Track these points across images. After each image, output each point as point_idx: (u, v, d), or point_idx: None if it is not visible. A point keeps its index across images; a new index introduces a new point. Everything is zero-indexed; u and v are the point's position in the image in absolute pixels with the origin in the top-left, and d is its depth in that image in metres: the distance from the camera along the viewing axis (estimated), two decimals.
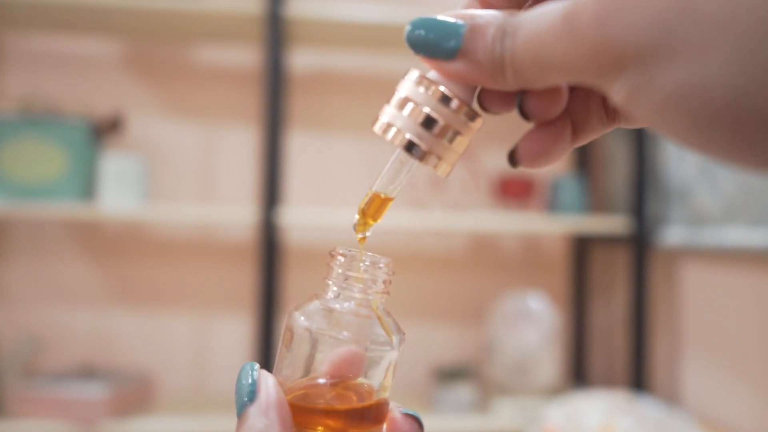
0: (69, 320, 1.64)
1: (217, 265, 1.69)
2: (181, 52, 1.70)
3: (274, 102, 1.42)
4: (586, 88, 0.25)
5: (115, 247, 1.66)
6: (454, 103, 0.27)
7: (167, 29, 1.56)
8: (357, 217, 0.29)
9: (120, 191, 1.42)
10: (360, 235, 0.29)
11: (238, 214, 1.40)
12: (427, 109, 0.26)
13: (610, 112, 0.26)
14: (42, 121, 1.44)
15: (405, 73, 0.27)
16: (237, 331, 1.69)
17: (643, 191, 1.49)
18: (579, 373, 1.75)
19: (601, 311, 1.79)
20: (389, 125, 0.27)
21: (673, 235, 1.42)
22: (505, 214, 1.60)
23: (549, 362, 1.53)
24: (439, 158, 0.27)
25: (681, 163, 1.42)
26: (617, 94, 0.20)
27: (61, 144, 1.44)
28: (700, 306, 1.37)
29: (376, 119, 0.28)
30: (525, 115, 0.25)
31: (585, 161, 1.77)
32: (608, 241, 1.67)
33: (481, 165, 1.78)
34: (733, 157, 0.19)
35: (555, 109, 0.25)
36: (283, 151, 1.42)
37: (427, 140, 0.27)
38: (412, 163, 0.28)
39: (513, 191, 1.60)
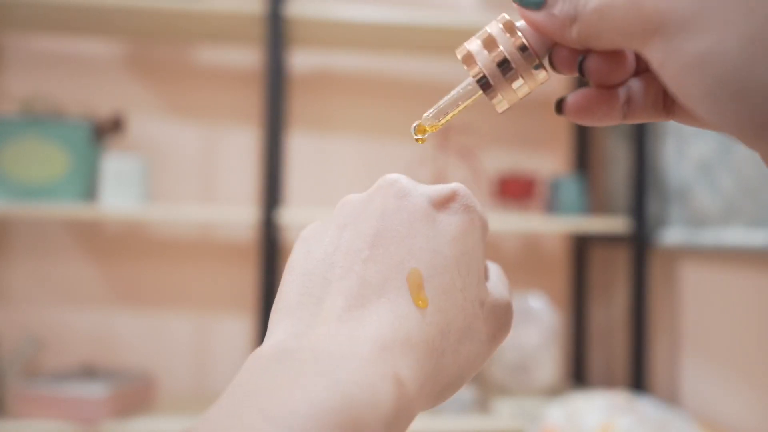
0: (69, 320, 1.64)
1: (217, 265, 1.69)
2: (182, 53, 1.71)
3: (275, 102, 1.42)
4: (651, 71, 0.29)
5: (116, 247, 1.66)
6: (529, 54, 0.30)
7: (168, 29, 1.56)
8: (416, 125, 0.32)
9: (121, 191, 1.42)
10: (418, 136, 0.32)
11: (238, 214, 1.40)
12: (505, 53, 0.30)
13: (668, 103, 0.29)
14: (43, 121, 1.44)
15: (499, 15, 0.31)
16: (237, 331, 1.69)
17: (643, 191, 1.49)
18: (579, 373, 1.75)
19: (601, 311, 1.79)
20: (470, 56, 0.31)
21: (672, 235, 1.42)
22: (505, 214, 1.61)
23: (549, 362, 1.53)
24: (502, 97, 0.31)
25: (681, 163, 1.43)
26: (655, 59, 0.23)
27: (62, 144, 1.44)
28: (700, 306, 1.37)
29: (461, 46, 0.31)
30: (583, 72, 0.29)
31: (585, 161, 1.77)
32: (608, 241, 1.67)
33: (481, 165, 1.78)
34: (737, 126, 0.21)
35: (613, 76, 0.29)
36: (283, 151, 1.43)
37: (498, 80, 0.30)
38: (478, 93, 0.32)
39: (513, 191, 1.60)
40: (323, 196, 1.74)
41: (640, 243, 1.49)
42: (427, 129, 0.32)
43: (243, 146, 1.72)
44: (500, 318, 0.28)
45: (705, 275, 1.36)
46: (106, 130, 1.50)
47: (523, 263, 1.81)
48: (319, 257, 0.26)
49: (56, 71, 1.67)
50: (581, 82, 1.78)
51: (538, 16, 0.28)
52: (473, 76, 0.31)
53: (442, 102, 0.32)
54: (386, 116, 1.77)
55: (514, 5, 0.29)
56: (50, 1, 1.39)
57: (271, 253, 1.39)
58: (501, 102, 0.31)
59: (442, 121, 0.32)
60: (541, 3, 0.28)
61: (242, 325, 1.69)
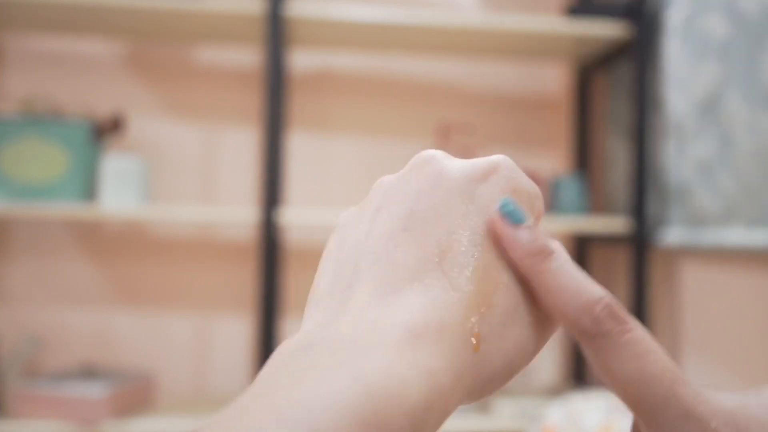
0: (69, 320, 1.64)
1: (217, 265, 1.69)
2: (182, 53, 1.71)
3: (275, 102, 1.42)
4: None
5: (116, 247, 1.66)
6: None
7: (168, 29, 1.56)
8: None
9: (120, 191, 1.42)
10: None
11: (238, 214, 1.40)
12: None
13: None
14: (43, 121, 1.44)
15: None
16: (237, 331, 1.69)
17: (643, 191, 1.49)
18: (579, 373, 1.75)
19: None
20: None
21: (673, 235, 1.42)
22: None
23: (549, 362, 1.53)
24: None
25: (681, 163, 1.42)
26: None
27: (61, 144, 1.44)
28: (700, 306, 1.37)
29: None
30: None
31: (585, 161, 1.77)
32: (608, 241, 1.67)
33: None
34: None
35: None
36: (283, 151, 1.43)
37: None
38: None
39: None
40: (323, 196, 1.74)
41: (640, 243, 1.49)
42: None
43: (243, 146, 1.71)
44: None
45: (705, 275, 1.36)
46: (105, 130, 1.50)
47: None
48: (351, 244, 0.25)
49: (56, 71, 1.67)
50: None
51: None
52: None
53: None
54: (386, 116, 1.77)
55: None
56: (50, 1, 1.39)
57: (271, 253, 1.39)
58: None
59: None
60: None
61: (242, 325, 1.69)
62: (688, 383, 0.22)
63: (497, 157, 0.27)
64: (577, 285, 0.22)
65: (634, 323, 0.22)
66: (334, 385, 0.18)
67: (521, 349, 0.24)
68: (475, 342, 0.22)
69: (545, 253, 0.23)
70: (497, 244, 0.23)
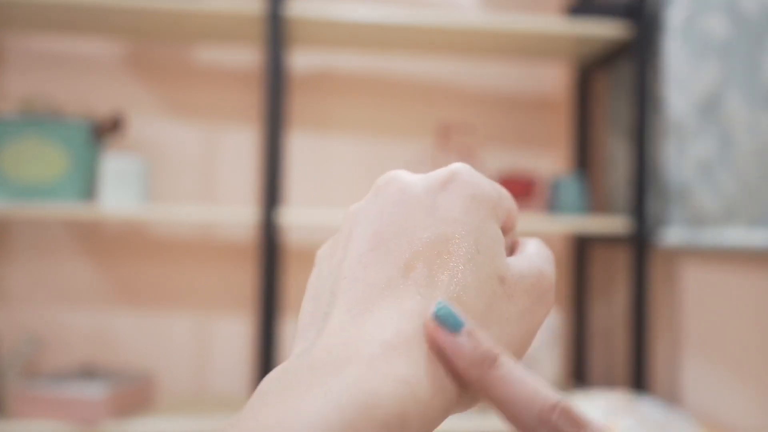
0: (69, 320, 1.64)
1: (217, 265, 1.69)
2: (182, 52, 1.70)
3: (275, 102, 1.42)
4: None
5: (116, 247, 1.66)
6: None
7: (167, 29, 1.56)
8: None
9: (120, 191, 1.42)
10: None
11: (238, 214, 1.40)
12: None
13: None
14: (42, 121, 1.44)
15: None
16: (237, 331, 1.69)
17: (643, 191, 1.49)
18: (579, 373, 1.75)
19: (601, 311, 1.79)
20: None
21: (673, 235, 1.42)
22: None
23: (549, 362, 1.53)
24: None
25: (681, 163, 1.42)
26: None
27: (61, 144, 1.44)
28: (700, 306, 1.37)
29: None
30: None
31: (585, 161, 1.77)
32: (608, 241, 1.67)
33: (481, 165, 1.78)
34: None
35: None
36: (283, 151, 1.42)
37: None
38: None
39: (513, 191, 1.60)
40: (323, 196, 1.74)
41: (640, 243, 1.49)
42: None
43: (243, 146, 1.71)
44: (531, 291, 0.26)
45: (705, 275, 1.36)
46: (105, 130, 1.50)
47: None
48: (327, 273, 0.26)
49: (55, 71, 1.67)
50: (582, 85, 1.78)
51: None
52: None
53: None
54: (386, 116, 1.77)
55: None
56: (50, 1, 1.39)
57: (271, 253, 1.39)
58: None
59: None
60: None
61: (242, 325, 1.69)
62: None
63: (454, 165, 0.27)
64: (528, 393, 0.21)
65: (594, 425, 0.21)
66: (303, 405, 0.18)
67: (511, 347, 0.25)
68: None
69: (490, 360, 0.22)
70: (437, 353, 0.22)
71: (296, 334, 0.25)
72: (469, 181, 0.26)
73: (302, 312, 0.26)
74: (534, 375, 0.22)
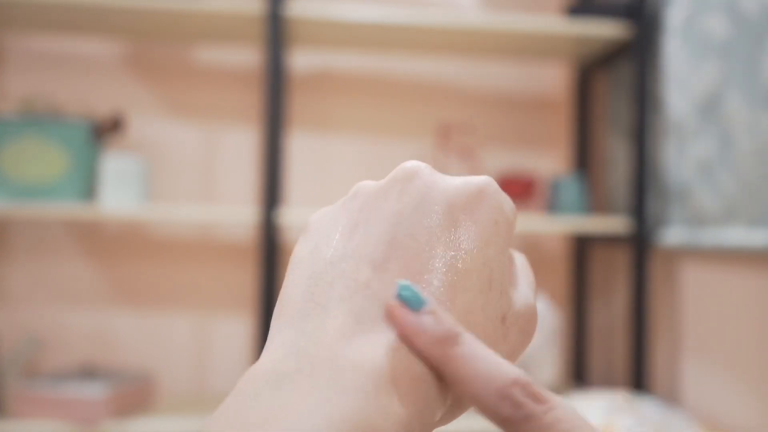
0: (69, 320, 1.64)
1: (217, 265, 1.69)
2: (182, 52, 1.71)
3: (275, 102, 1.42)
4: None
5: (116, 247, 1.66)
6: None
7: (167, 29, 1.56)
8: None
9: (120, 191, 1.42)
10: None
11: (238, 214, 1.40)
12: None
13: None
14: (43, 121, 1.44)
15: None
16: (237, 331, 1.69)
17: (643, 191, 1.49)
18: (579, 373, 1.75)
19: (601, 311, 1.79)
20: None
21: (673, 235, 1.42)
22: None
23: (549, 362, 1.53)
24: None
25: (681, 163, 1.42)
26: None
27: (61, 144, 1.44)
28: (700, 306, 1.37)
29: None
30: None
31: (585, 161, 1.77)
32: (608, 241, 1.67)
33: (481, 164, 1.78)
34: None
35: None
36: (283, 151, 1.42)
37: None
38: None
39: (513, 191, 1.60)
40: (323, 196, 1.74)
41: (640, 243, 1.49)
42: None
43: (243, 146, 1.71)
44: (523, 329, 0.26)
45: (705, 275, 1.36)
46: (105, 130, 1.50)
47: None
48: (326, 258, 0.24)
49: (56, 71, 1.67)
50: (582, 94, 1.77)
51: None
52: None
53: None
54: (386, 116, 1.77)
55: None
56: (50, 1, 1.39)
57: (271, 253, 1.39)
58: None
59: None
60: None
61: (242, 325, 1.69)
62: None
63: (482, 182, 0.25)
64: (488, 369, 0.21)
65: (555, 400, 0.21)
66: (302, 428, 0.18)
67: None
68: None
69: (452, 338, 0.21)
70: (400, 332, 0.22)
71: (282, 315, 0.23)
72: (494, 206, 0.25)
73: (292, 291, 0.24)
74: (494, 354, 0.22)
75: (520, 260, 0.29)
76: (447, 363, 0.21)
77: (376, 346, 0.21)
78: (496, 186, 0.26)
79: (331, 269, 0.23)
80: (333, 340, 0.21)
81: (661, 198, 1.49)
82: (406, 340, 0.22)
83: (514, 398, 0.21)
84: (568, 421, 0.20)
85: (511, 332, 0.25)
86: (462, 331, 0.22)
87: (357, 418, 0.18)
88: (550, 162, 1.82)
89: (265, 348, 0.22)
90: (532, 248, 1.82)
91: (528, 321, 0.26)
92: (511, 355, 0.25)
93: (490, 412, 0.21)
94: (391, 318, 0.22)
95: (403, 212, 0.24)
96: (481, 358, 0.21)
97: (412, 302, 0.22)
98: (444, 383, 0.22)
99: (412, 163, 0.25)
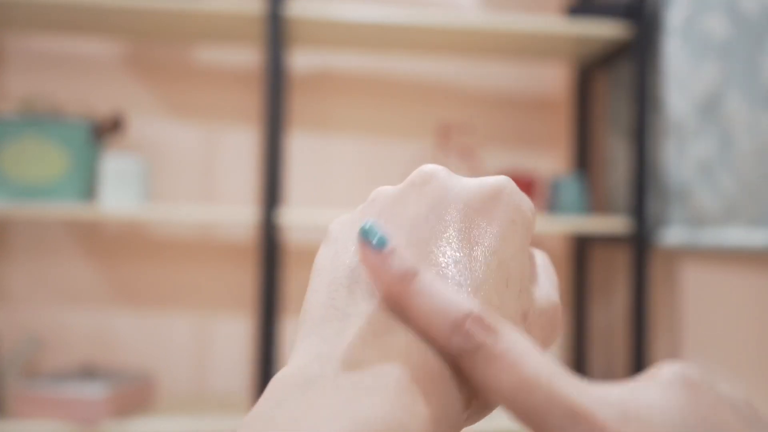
0: (69, 320, 1.64)
1: (217, 265, 1.69)
2: (181, 52, 1.70)
3: (275, 102, 1.42)
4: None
5: (116, 247, 1.66)
6: None
7: (167, 29, 1.56)
8: None
9: (120, 191, 1.42)
10: None
11: (238, 214, 1.40)
12: None
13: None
14: (42, 121, 1.44)
15: None
16: (237, 331, 1.69)
17: (643, 191, 1.49)
18: (579, 373, 1.75)
19: (601, 311, 1.79)
20: None
21: (673, 235, 1.42)
22: None
23: None
24: None
25: (681, 163, 1.42)
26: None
27: (61, 144, 1.44)
28: (700, 306, 1.37)
29: None
30: None
31: (585, 161, 1.77)
32: (608, 241, 1.67)
33: (481, 164, 1.78)
34: None
35: None
36: (283, 151, 1.42)
37: None
38: None
39: None
40: (323, 196, 1.74)
41: (640, 243, 1.49)
42: None
43: (243, 146, 1.71)
44: (546, 326, 0.25)
45: (705, 275, 1.36)
46: (105, 130, 1.50)
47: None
48: (346, 264, 0.24)
49: (56, 71, 1.67)
50: (582, 85, 1.77)
51: None
52: None
53: None
54: (386, 116, 1.77)
55: None
56: (50, 1, 1.39)
57: (271, 253, 1.39)
58: None
59: None
60: None
61: (242, 325, 1.69)
62: (569, 380, 0.20)
63: (499, 182, 0.25)
64: (443, 302, 0.21)
65: (506, 329, 0.21)
66: (334, 429, 0.18)
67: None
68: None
69: (409, 276, 0.21)
70: (367, 271, 0.22)
71: (305, 322, 0.23)
72: (512, 204, 0.25)
73: (315, 293, 0.24)
74: (452, 289, 0.22)
75: (542, 258, 0.29)
76: (405, 300, 0.21)
77: (395, 347, 0.21)
78: (513, 186, 0.26)
79: (350, 275, 0.24)
80: (353, 344, 0.21)
81: (661, 198, 1.50)
82: (371, 277, 0.22)
83: (466, 330, 0.21)
84: (515, 349, 0.20)
85: (534, 329, 0.25)
86: (421, 270, 0.22)
87: (383, 418, 0.19)
88: (550, 162, 1.82)
89: (290, 355, 0.22)
90: (532, 248, 1.81)
91: (551, 318, 0.26)
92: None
93: (444, 345, 0.21)
94: (360, 256, 0.22)
95: (419, 215, 0.24)
96: (436, 293, 0.21)
97: (375, 240, 0.22)
98: (465, 381, 0.22)
99: (429, 167, 0.26)
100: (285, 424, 0.18)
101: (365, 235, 0.22)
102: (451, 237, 0.24)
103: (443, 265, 0.23)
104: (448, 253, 0.24)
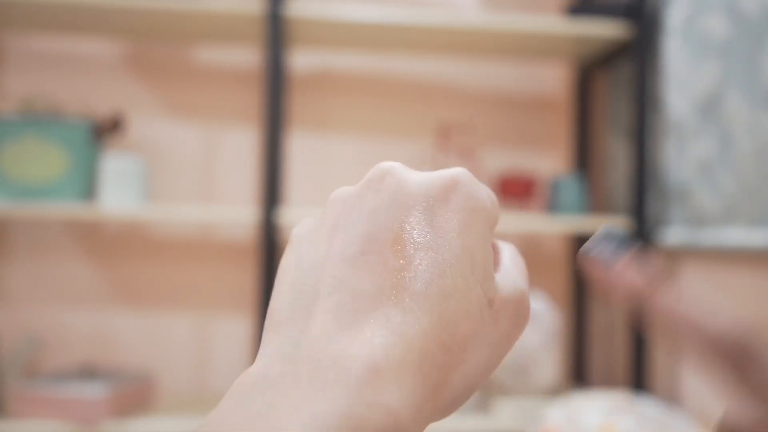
0: (69, 320, 1.64)
1: (217, 265, 1.69)
2: (181, 52, 1.70)
3: (274, 102, 1.42)
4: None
5: (115, 247, 1.66)
6: None
7: (167, 29, 1.56)
8: None
9: (120, 191, 1.42)
10: None
11: (238, 214, 1.40)
12: None
13: None
14: (43, 121, 1.44)
15: None
16: (237, 331, 1.69)
17: (643, 191, 1.49)
18: (579, 373, 1.75)
19: (602, 311, 1.79)
20: None
21: (673, 235, 1.42)
22: (506, 213, 1.60)
23: (549, 362, 1.53)
24: None
25: (681, 163, 1.42)
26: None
27: (61, 144, 1.44)
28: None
29: None
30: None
31: (585, 161, 1.77)
32: None
33: (481, 164, 1.78)
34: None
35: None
36: (283, 151, 1.42)
37: None
38: None
39: (513, 191, 1.60)
40: (323, 196, 1.74)
41: (640, 243, 1.49)
42: None
43: (243, 146, 1.71)
44: (513, 315, 0.25)
45: (705, 275, 1.36)
46: (105, 130, 1.50)
47: (524, 261, 1.81)
48: (309, 264, 0.24)
49: (55, 71, 1.67)
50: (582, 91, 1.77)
51: None
52: None
53: None
54: (386, 116, 1.77)
55: None
56: (50, 1, 1.39)
57: (270, 253, 1.39)
58: None
59: None
60: None
61: (242, 325, 1.69)
62: None
63: (455, 172, 0.25)
64: (707, 307, 0.21)
65: None
66: (287, 425, 0.18)
67: (483, 370, 0.24)
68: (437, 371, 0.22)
69: (659, 280, 0.22)
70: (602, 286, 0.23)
71: (270, 324, 0.23)
72: (469, 193, 0.25)
73: (279, 299, 0.24)
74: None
75: (510, 249, 0.29)
76: (662, 301, 0.22)
77: (357, 339, 0.21)
78: (470, 176, 0.26)
79: (313, 273, 0.24)
80: (314, 340, 0.21)
81: (661, 198, 1.50)
82: (611, 282, 0.24)
83: (742, 334, 0.22)
84: None
85: (501, 316, 0.25)
86: (663, 273, 0.23)
87: (342, 412, 0.18)
88: (550, 162, 1.82)
89: (256, 358, 0.22)
90: (532, 248, 1.82)
91: (518, 305, 0.26)
92: (505, 340, 0.25)
93: (722, 344, 0.23)
94: (592, 273, 0.23)
95: (379, 208, 0.24)
96: (698, 298, 0.22)
97: (617, 245, 0.22)
98: (429, 371, 0.22)
99: (386, 163, 0.26)
100: (243, 422, 0.18)
101: (608, 239, 0.22)
102: (413, 223, 0.24)
103: (408, 249, 0.23)
104: (412, 238, 0.23)
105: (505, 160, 1.79)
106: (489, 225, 0.26)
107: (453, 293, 0.23)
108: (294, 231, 0.27)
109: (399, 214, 0.24)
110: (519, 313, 0.26)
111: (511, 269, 0.27)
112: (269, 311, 0.24)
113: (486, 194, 0.26)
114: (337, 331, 0.21)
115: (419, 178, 0.25)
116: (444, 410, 0.23)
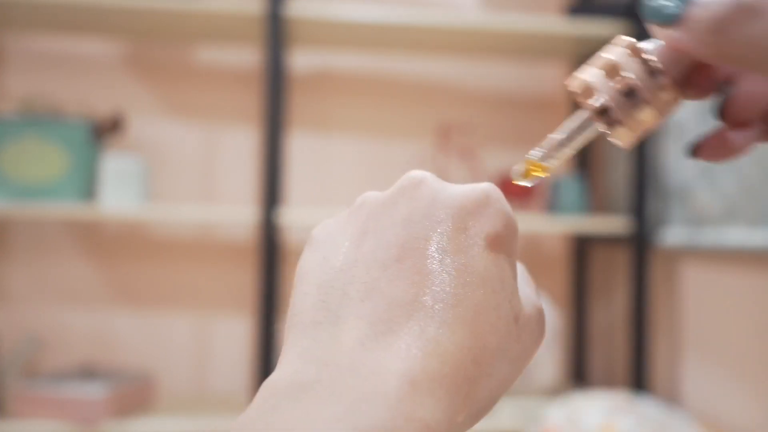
0: (69, 320, 1.64)
1: (217, 265, 1.69)
2: (181, 52, 1.71)
3: (274, 102, 1.42)
4: None
5: (115, 247, 1.66)
6: (660, 79, 0.26)
7: (167, 29, 1.56)
8: (521, 166, 0.30)
9: (120, 191, 1.42)
10: (523, 181, 0.30)
11: (238, 214, 1.40)
12: (634, 79, 0.26)
13: None
14: (42, 121, 1.44)
15: (614, 38, 0.29)
16: (237, 331, 1.69)
17: (643, 191, 1.49)
18: (579, 373, 1.75)
19: (601, 311, 1.79)
20: (589, 87, 0.27)
21: (673, 235, 1.42)
22: None
23: (549, 362, 1.53)
24: (626, 129, 0.27)
25: (681, 163, 1.42)
26: None
27: (61, 144, 1.44)
28: (700, 306, 1.37)
29: (574, 76, 0.27)
30: (722, 117, 0.27)
31: (585, 161, 1.77)
32: (608, 241, 1.67)
33: (481, 164, 1.78)
34: None
35: (752, 116, 0.27)
36: (283, 151, 1.42)
37: (625, 111, 0.27)
38: (598, 128, 0.28)
39: (513, 191, 1.60)
40: (323, 196, 1.74)
41: (640, 243, 1.49)
42: (534, 171, 0.28)
43: (243, 146, 1.71)
44: (534, 331, 0.26)
45: (705, 275, 1.36)
46: (105, 130, 1.50)
47: (524, 263, 1.81)
48: (336, 267, 0.24)
49: (55, 71, 1.67)
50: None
51: (675, 32, 0.25)
52: (594, 110, 0.27)
53: (551, 139, 0.28)
54: (386, 116, 1.77)
55: (646, 22, 0.26)
56: (50, 1, 1.39)
57: (270, 253, 1.39)
58: (626, 135, 0.27)
59: (553, 162, 0.28)
60: (676, 16, 0.25)
61: (242, 325, 1.69)
62: None
63: (487, 187, 0.26)
64: None
65: None
66: None
67: (505, 384, 0.24)
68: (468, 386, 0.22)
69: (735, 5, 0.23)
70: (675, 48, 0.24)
71: (295, 324, 0.23)
72: (500, 209, 0.25)
73: (303, 300, 0.24)
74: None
75: (520, 268, 0.29)
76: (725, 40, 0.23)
77: (393, 350, 0.21)
78: (499, 192, 0.26)
79: (341, 276, 0.23)
80: (350, 348, 0.21)
81: (661, 198, 1.50)
82: (677, 52, 0.25)
83: None
84: None
85: (524, 333, 0.25)
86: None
87: (382, 426, 0.18)
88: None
89: (280, 360, 0.22)
90: (532, 248, 1.82)
91: (537, 322, 0.26)
92: (525, 356, 0.25)
93: None
94: (658, 36, 0.24)
95: (412, 217, 0.24)
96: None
97: (666, 17, 0.25)
98: (461, 384, 0.22)
99: (418, 172, 0.26)
100: (280, 431, 0.18)
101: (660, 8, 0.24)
102: (446, 235, 0.24)
103: (441, 260, 0.23)
104: (445, 250, 0.23)
105: (505, 160, 1.79)
106: (515, 243, 0.26)
107: (485, 307, 0.23)
108: (314, 232, 0.27)
109: (432, 224, 0.24)
110: (537, 330, 0.26)
111: (524, 287, 0.27)
112: (291, 311, 0.24)
113: (511, 211, 0.26)
114: (372, 341, 0.21)
115: (452, 190, 0.25)
116: (468, 424, 0.23)
